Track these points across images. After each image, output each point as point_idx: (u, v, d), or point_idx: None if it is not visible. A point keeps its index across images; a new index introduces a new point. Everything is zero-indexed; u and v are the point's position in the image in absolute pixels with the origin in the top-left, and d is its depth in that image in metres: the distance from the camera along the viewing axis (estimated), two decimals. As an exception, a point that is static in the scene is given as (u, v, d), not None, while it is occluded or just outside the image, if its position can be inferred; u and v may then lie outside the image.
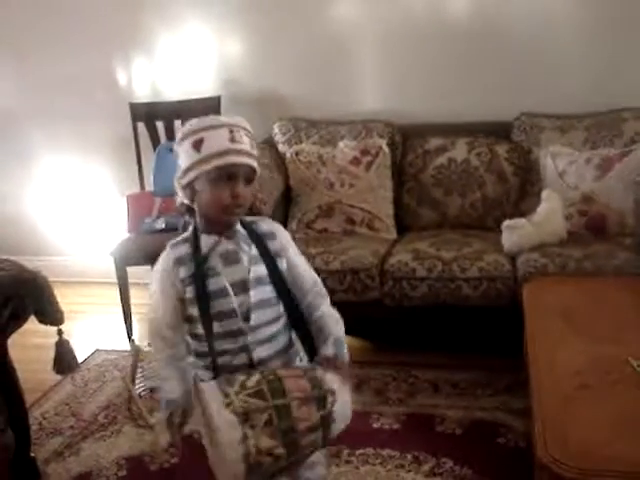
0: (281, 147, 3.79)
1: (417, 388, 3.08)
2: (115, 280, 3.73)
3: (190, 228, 1.80)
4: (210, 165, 1.66)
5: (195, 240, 1.77)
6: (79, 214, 4.69)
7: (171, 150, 3.93)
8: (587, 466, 1.78)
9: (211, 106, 4.03)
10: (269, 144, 3.85)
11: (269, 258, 1.80)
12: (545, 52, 3.73)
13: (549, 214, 3.17)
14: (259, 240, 1.80)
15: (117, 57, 4.31)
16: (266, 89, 4.11)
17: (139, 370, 3.06)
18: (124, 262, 3.70)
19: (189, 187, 1.73)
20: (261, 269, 1.78)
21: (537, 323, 2.57)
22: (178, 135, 1.76)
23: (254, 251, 1.78)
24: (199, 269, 1.75)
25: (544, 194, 3.26)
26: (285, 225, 3.43)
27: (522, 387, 2.53)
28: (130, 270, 3.72)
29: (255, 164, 1.73)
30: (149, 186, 4.05)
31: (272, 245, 1.82)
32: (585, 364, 2.24)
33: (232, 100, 4.09)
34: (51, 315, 2.39)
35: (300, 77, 4.06)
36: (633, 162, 3.26)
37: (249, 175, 1.72)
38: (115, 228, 4.26)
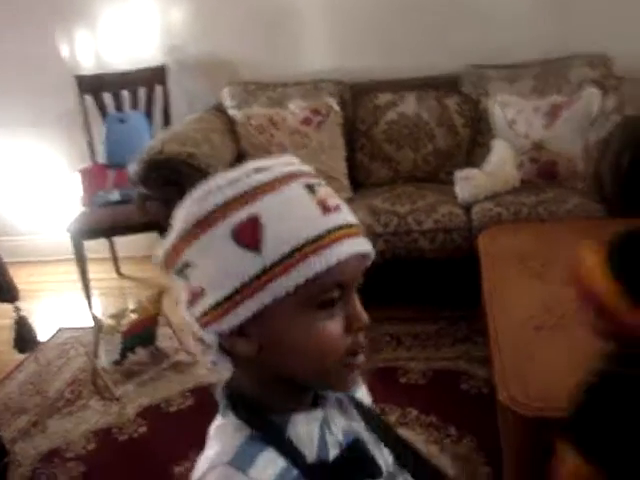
0: (231, 112, 3.75)
1: (379, 343, 3.11)
2: (73, 256, 3.70)
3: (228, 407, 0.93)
4: (296, 276, 0.84)
5: (273, 430, 0.90)
6: (32, 191, 4.61)
7: (121, 121, 3.97)
8: (547, 405, 1.83)
9: (158, 75, 3.99)
10: (219, 110, 3.81)
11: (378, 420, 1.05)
12: (490, 2, 3.73)
13: (501, 163, 3.20)
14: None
15: (60, 30, 4.21)
16: (212, 54, 4.05)
17: (102, 343, 3.04)
18: (80, 237, 3.67)
19: (244, 323, 0.87)
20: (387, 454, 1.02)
21: (493, 270, 2.61)
22: (187, 212, 0.88)
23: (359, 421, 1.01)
24: None
25: (495, 144, 3.29)
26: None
27: (482, 335, 2.58)
28: (87, 244, 3.69)
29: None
30: (101, 159, 4.01)
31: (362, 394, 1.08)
32: (541, 306, 2.28)
33: (178, 67, 4.04)
34: (5, 292, 2.37)
35: (246, 40, 4.01)
36: (581, 108, 3.29)
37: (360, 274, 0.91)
38: (69, 203, 4.20)
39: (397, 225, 3.10)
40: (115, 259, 4.26)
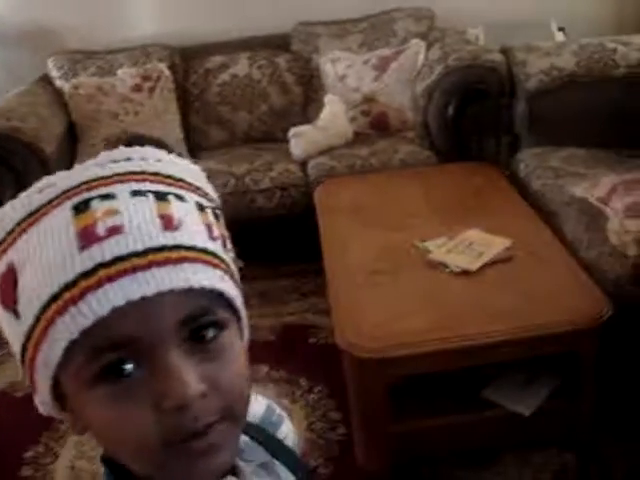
0: (58, 83, 3.60)
1: (228, 304, 3.11)
2: None
3: None
4: (54, 341, 0.59)
5: None
6: None
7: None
8: (379, 345, 1.90)
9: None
10: (45, 82, 3.65)
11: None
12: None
13: (333, 117, 3.25)
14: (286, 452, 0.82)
15: None
16: (34, 23, 3.85)
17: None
18: None
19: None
20: None
21: (329, 222, 2.66)
22: None
23: None
24: None
25: (326, 99, 3.33)
26: (71, 164, 3.29)
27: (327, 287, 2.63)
28: None
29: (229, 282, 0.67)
30: None
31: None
32: (375, 253, 2.36)
33: (-2, 37, 3.84)
34: None
35: (69, 7, 3.83)
36: (407, 60, 3.39)
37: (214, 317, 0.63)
38: None
39: (234, 186, 3.09)
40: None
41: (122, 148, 0.65)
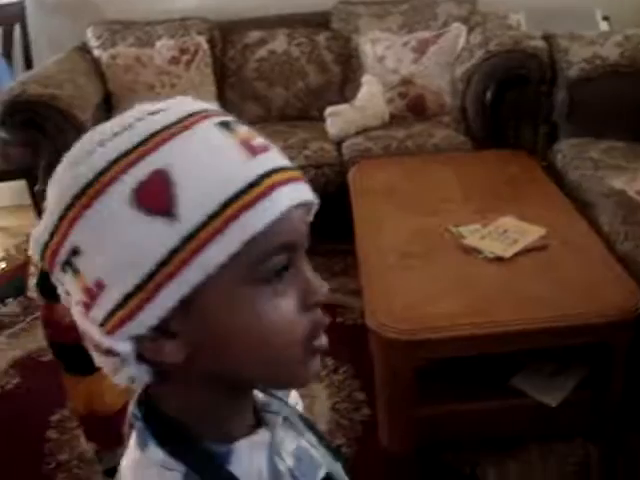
0: (96, 52, 3.61)
1: (257, 280, 3.12)
2: None
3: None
4: (228, 242, 0.62)
5: (214, 467, 0.69)
6: None
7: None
8: (409, 327, 1.90)
9: (15, 13, 3.78)
10: (83, 51, 3.66)
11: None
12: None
13: (370, 98, 3.23)
14: None
15: None
16: (74, -9, 3.88)
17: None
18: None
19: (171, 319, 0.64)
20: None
21: (363, 203, 2.66)
22: (63, 181, 0.65)
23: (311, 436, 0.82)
24: None
25: (364, 79, 3.32)
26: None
27: (357, 268, 2.62)
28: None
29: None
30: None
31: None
32: (408, 236, 2.35)
33: (39, 5, 3.84)
34: None
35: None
36: (447, 43, 3.35)
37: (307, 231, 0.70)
38: None
39: (269, 162, 3.09)
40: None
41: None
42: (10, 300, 3.07)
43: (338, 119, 3.18)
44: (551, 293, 1.97)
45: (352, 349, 2.49)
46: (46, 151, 3.08)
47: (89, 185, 0.62)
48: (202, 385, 0.68)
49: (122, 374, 0.67)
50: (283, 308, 0.65)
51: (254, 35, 3.60)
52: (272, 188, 0.62)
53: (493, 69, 2.98)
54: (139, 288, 0.61)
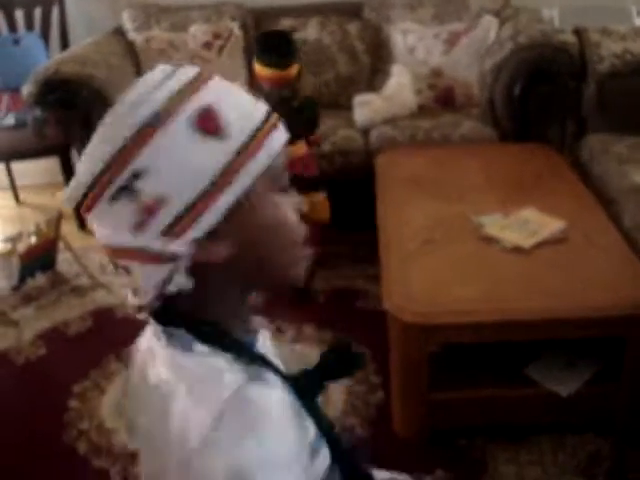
0: (131, 35, 3.67)
1: (279, 264, 3.16)
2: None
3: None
4: (264, 157, 0.83)
5: (251, 352, 0.89)
6: None
7: (15, 42, 3.83)
8: (425, 310, 1.93)
9: (53, -5, 3.86)
10: (119, 33, 3.72)
11: None
12: None
13: (398, 88, 3.25)
14: None
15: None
16: (112, -25, 3.94)
17: (-1, 268, 3.01)
18: (-25, 163, 3.58)
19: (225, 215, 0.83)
20: None
21: (387, 190, 2.69)
22: (124, 120, 0.81)
23: None
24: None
25: (394, 69, 3.34)
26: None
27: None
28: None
29: None
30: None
31: None
32: (430, 222, 2.38)
33: (76, -13, 3.91)
34: None
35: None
36: (478, 36, 3.36)
37: None
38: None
39: (296, 148, 3.13)
40: (14, 187, 4.15)
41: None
42: (39, 274, 3.14)
43: (366, 108, 3.21)
44: (567, 284, 1.99)
45: (371, 333, 2.51)
46: (79, 130, 3.15)
47: (153, 118, 0.79)
48: (233, 285, 0.88)
49: (173, 282, 0.83)
50: (294, 214, 0.88)
51: (286, 22, 3.63)
52: (276, 123, 0.86)
53: (522, 63, 2.98)
54: (201, 197, 0.80)
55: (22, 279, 3.06)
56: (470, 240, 2.24)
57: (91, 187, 0.81)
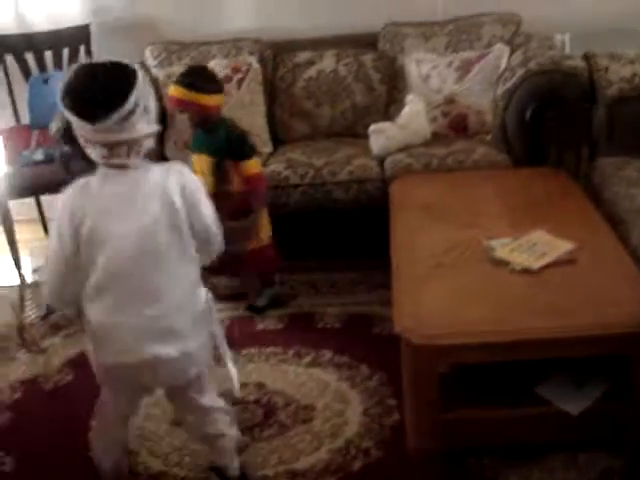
0: (154, 71, 3.80)
1: (298, 290, 3.24)
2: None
3: None
4: None
5: None
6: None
7: (45, 81, 3.97)
8: (435, 332, 1.98)
9: (82, 35, 4.00)
10: (142, 69, 3.83)
11: None
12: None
13: (413, 116, 3.33)
14: None
15: (-21, -11, 4.18)
16: (136, 14, 4.06)
17: (28, 299, 3.11)
18: (6, 197, 3.70)
19: None
20: None
21: (401, 216, 2.75)
22: None
23: None
24: None
25: (408, 98, 3.41)
26: (161, 147, 3.49)
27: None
28: (16, 208, 3.76)
29: None
30: (24, 120, 4.02)
31: None
32: (442, 247, 2.43)
33: (102, 27, 4.05)
34: None
35: (170, 1, 4.05)
36: (490, 64, 3.43)
37: None
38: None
39: (313, 177, 3.22)
40: (43, 219, 4.29)
41: None
42: (66, 304, 3.23)
43: (381, 136, 3.29)
44: (574, 304, 2.03)
45: (387, 358, 2.58)
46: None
47: None
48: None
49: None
50: None
51: (304, 55, 3.74)
52: None
53: (532, 88, 3.04)
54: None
55: (50, 309, 3.16)
56: (480, 263, 2.29)
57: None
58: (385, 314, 2.93)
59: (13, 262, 3.79)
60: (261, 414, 2.44)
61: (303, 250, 3.48)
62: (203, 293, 1.88)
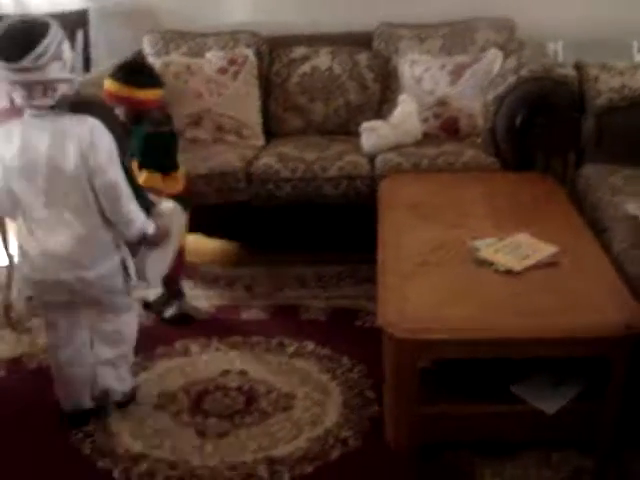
0: (151, 59, 3.81)
1: (284, 283, 3.27)
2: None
3: None
4: None
5: None
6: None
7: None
8: (416, 326, 2.02)
9: (79, 20, 4.01)
10: (140, 56, 3.87)
11: None
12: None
13: (405, 116, 3.37)
14: None
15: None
16: (135, 1, 4.10)
17: (15, 279, 3.12)
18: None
19: None
20: None
21: (389, 215, 2.79)
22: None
23: None
24: None
25: (400, 98, 3.46)
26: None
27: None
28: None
29: None
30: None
31: None
32: (428, 246, 2.48)
33: (100, 13, 4.07)
34: None
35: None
36: (483, 68, 3.48)
37: None
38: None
39: (304, 171, 3.25)
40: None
41: None
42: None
43: (373, 134, 3.33)
44: (555, 306, 2.08)
45: (368, 350, 2.61)
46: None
47: None
48: None
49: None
50: None
51: (299, 51, 3.78)
52: None
53: (523, 95, 3.09)
54: None
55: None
56: (464, 263, 2.34)
57: None
58: (370, 308, 2.97)
59: (1, 242, 3.80)
60: (242, 401, 2.48)
61: (291, 243, 3.52)
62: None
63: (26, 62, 1.94)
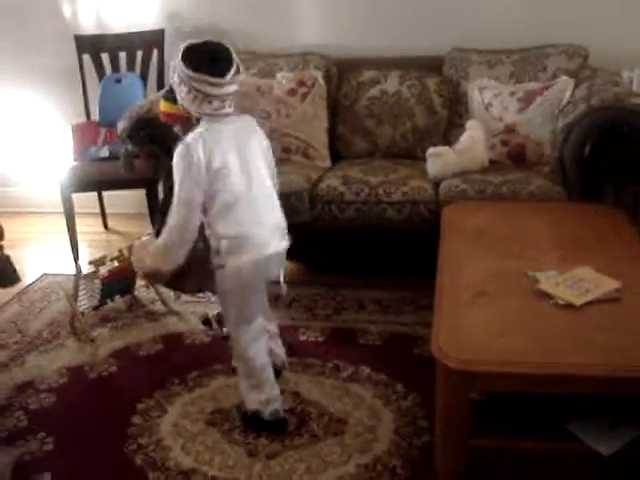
0: (223, 79, 3.88)
1: (343, 306, 3.29)
2: (62, 209, 3.87)
3: None
4: None
5: None
6: (26, 145, 4.75)
7: (117, 81, 4.11)
8: (470, 358, 1.99)
9: (155, 39, 4.13)
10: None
11: None
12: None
13: (471, 142, 3.35)
14: None
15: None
16: (209, 23, 4.18)
17: (82, 289, 3.21)
18: (70, 189, 3.84)
19: None
20: None
21: (450, 241, 2.76)
22: None
23: None
24: None
25: (468, 124, 3.43)
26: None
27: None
28: (78, 200, 3.90)
29: None
30: (94, 117, 4.16)
31: None
32: (487, 276, 2.44)
33: (176, 33, 4.17)
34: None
35: (243, 11, 4.16)
36: (553, 96, 3.43)
37: None
38: (61, 158, 4.35)
39: (367, 195, 3.26)
40: (103, 214, 4.43)
41: None
42: (117, 297, 3.35)
43: (438, 160, 3.31)
44: (615, 343, 2.01)
45: (423, 378, 2.58)
46: (165, 165, 3.35)
47: None
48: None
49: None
50: None
51: (368, 74, 3.80)
52: None
53: (593, 124, 3.03)
54: None
55: (102, 301, 3.27)
56: (523, 294, 2.30)
57: None
58: (428, 336, 2.94)
59: (71, 252, 3.93)
60: (294, 423, 2.49)
61: (352, 266, 3.53)
62: None
63: (229, 76, 2.21)
